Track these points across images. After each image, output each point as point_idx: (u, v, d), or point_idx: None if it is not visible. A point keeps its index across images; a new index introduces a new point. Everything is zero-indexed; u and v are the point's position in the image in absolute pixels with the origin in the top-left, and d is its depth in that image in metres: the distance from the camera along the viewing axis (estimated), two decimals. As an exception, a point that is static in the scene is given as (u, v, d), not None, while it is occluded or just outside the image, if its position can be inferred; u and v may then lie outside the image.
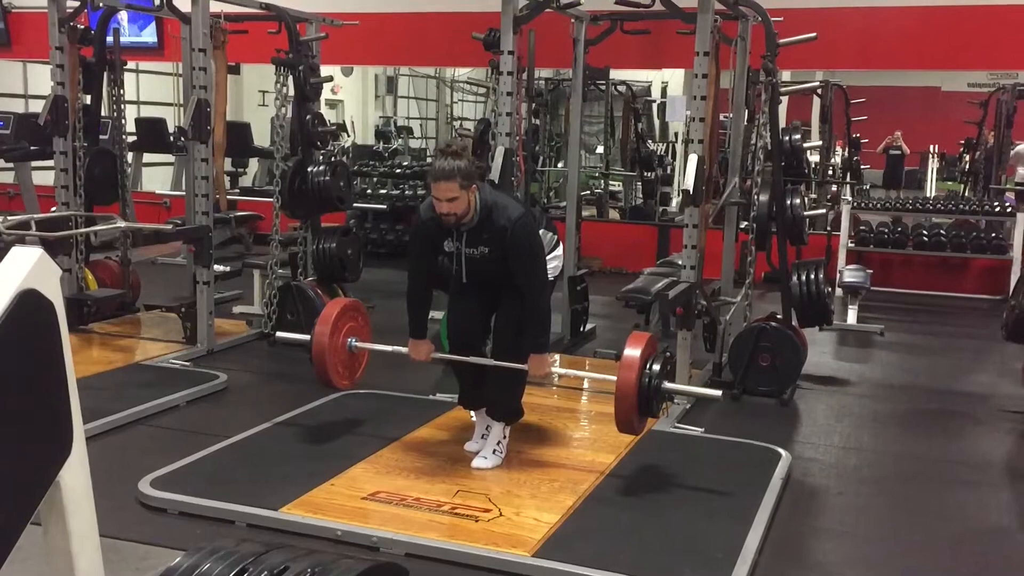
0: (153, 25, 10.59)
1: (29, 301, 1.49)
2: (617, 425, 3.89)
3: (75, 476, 1.63)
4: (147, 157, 11.20)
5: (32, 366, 1.52)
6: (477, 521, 3.49)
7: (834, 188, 11.51)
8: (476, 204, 3.77)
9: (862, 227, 9.18)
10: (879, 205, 9.67)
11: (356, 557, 1.82)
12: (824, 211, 8.81)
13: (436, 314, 4.50)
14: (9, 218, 5.50)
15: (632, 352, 3.83)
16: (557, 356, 4.58)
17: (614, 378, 3.82)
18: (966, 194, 11.65)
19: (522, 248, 3.80)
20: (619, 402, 3.81)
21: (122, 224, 5.88)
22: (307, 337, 4.38)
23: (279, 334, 5.10)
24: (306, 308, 6.10)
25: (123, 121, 6.71)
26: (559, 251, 4.36)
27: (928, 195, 13.53)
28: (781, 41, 5.43)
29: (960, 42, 8.61)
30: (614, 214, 11.57)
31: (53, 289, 1.55)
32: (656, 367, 3.86)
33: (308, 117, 6.14)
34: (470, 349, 4.10)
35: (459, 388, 4.30)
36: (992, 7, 8.40)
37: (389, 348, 4.30)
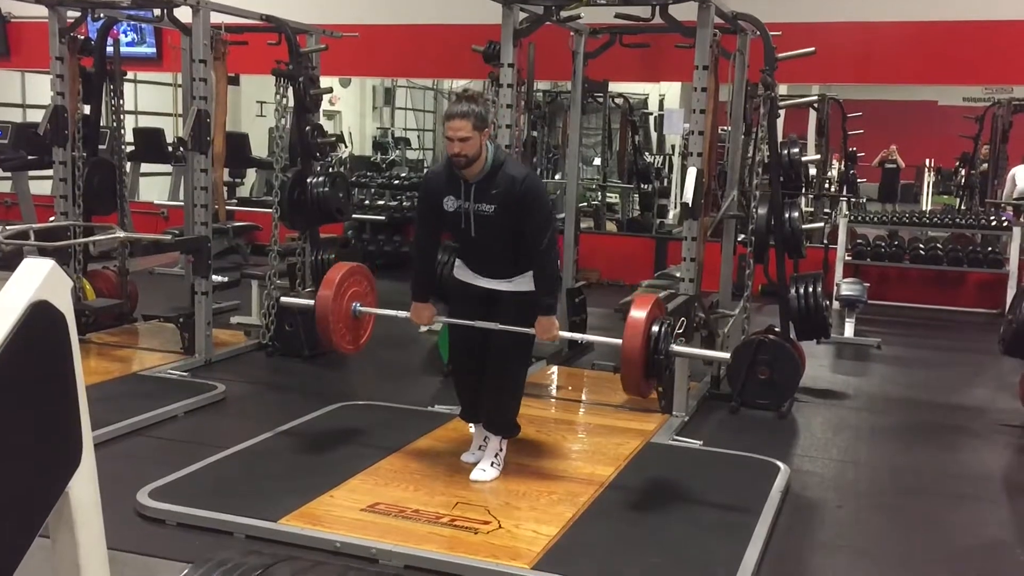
0: (151, 35, 10.61)
1: (41, 312, 1.49)
2: (624, 388, 3.86)
3: (84, 487, 1.63)
4: (145, 167, 11.20)
5: (43, 377, 1.52)
6: (476, 533, 3.49)
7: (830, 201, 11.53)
8: (488, 153, 3.79)
9: (859, 240, 9.20)
10: (875, 219, 9.69)
11: (361, 569, 1.82)
12: (821, 224, 8.83)
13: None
14: (7, 228, 5.50)
15: (638, 314, 3.77)
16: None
17: (619, 341, 3.78)
18: (962, 208, 11.69)
19: (533, 202, 3.80)
20: (625, 367, 3.75)
21: (121, 234, 5.90)
22: (311, 302, 4.38)
23: (284, 299, 5.19)
24: (304, 319, 6.11)
25: (122, 131, 6.71)
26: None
27: (924, 209, 13.56)
28: (780, 55, 5.47)
29: (956, 57, 8.67)
30: (611, 226, 11.58)
31: (64, 301, 1.56)
32: (663, 330, 3.80)
33: (308, 128, 6.16)
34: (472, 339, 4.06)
35: (459, 401, 4.30)
36: (988, 22, 8.46)
37: (393, 313, 4.30)
